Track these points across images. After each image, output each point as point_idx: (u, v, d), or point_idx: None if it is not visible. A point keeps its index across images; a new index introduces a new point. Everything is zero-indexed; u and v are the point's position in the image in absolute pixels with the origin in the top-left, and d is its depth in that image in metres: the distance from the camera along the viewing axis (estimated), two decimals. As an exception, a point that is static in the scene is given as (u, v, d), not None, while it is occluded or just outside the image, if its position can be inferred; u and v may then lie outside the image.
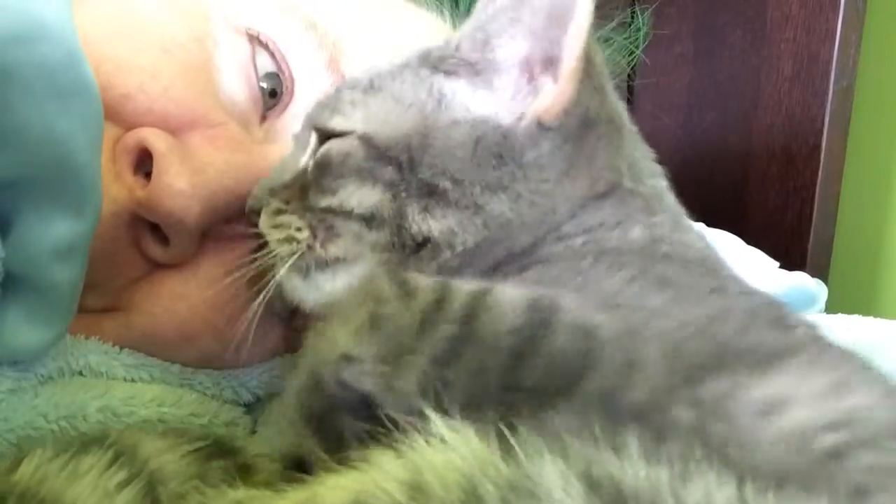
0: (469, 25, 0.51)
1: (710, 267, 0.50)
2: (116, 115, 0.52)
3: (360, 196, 0.49)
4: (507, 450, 0.29)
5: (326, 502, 0.31)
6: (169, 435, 0.45)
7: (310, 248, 0.50)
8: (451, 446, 0.30)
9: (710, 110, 1.63)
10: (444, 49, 0.52)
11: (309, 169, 0.52)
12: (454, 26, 0.76)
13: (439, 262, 0.48)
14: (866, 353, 0.44)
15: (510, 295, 0.38)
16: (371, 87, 0.52)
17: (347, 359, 0.37)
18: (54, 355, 0.51)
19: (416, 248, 0.49)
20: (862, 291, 1.69)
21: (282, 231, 0.51)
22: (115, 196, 0.51)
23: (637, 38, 0.95)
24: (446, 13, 0.75)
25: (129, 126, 0.53)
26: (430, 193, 0.48)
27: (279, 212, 0.52)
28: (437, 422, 0.32)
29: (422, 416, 0.33)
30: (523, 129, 0.49)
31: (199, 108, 0.54)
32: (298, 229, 0.50)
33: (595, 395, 0.34)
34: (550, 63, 0.49)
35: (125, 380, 0.54)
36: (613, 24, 0.89)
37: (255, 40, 0.58)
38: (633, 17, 0.97)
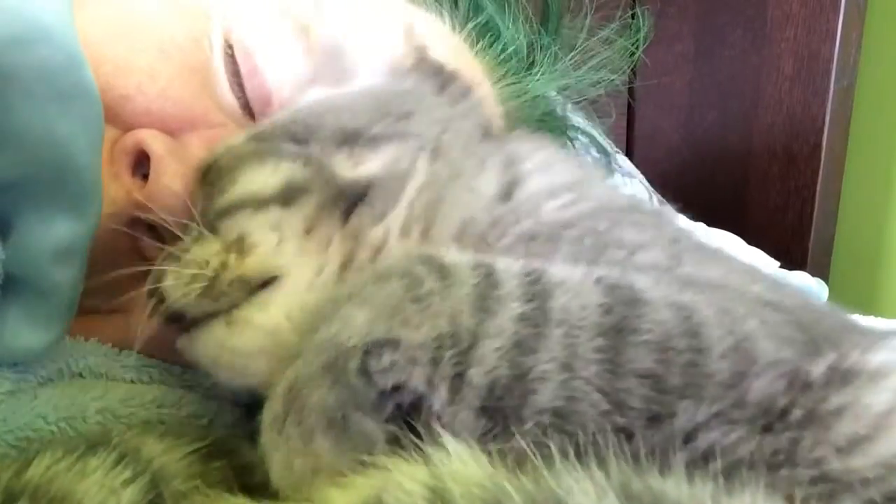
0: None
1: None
2: (115, 116, 0.52)
3: (265, 175, 0.45)
4: (532, 468, 0.27)
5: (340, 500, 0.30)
6: (169, 436, 0.45)
7: (224, 268, 0.43)
8: (470, 461, 0.28)
9: (710, 110, 1.63)
10: None
11: (198, 196, 0.49)
12: (453, 27, 0.75)
13: (401, 207, 0.45)
14: None
15: (570, 272, 0.33)
16: None
17: (380, 345, 0.31)
18: (54, 357, 0.51)
19: (356, 203, 0.45)
20: (862, 291, 1.69)
21: (187, 278, 0.43)
22: (113, 197, 0.51)
23: (637, 39, 0.95)
24: (445, 14, 0.75)
25: (127, 127, 0.53)
26: (347, 139, 0.46)
27: (183, 252, 0.45)
28: (450, 441, 0.28)
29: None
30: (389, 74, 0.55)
31: (198, 108, 0.54)
32: (205, 262, 0.43)
33: (721, 392, 0.30)
34: None
35: (125, 381, 0.54)
36: (615, 25, 0.89)
37: (228, 52, 0.58)
38: (633, 18, 0.97)
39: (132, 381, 0.54)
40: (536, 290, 0.31)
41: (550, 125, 0.83)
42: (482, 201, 0.47)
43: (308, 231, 0.44)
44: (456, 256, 0.35)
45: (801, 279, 1.03)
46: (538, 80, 0.79)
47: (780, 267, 1.04)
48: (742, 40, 1.57)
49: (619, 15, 0.93)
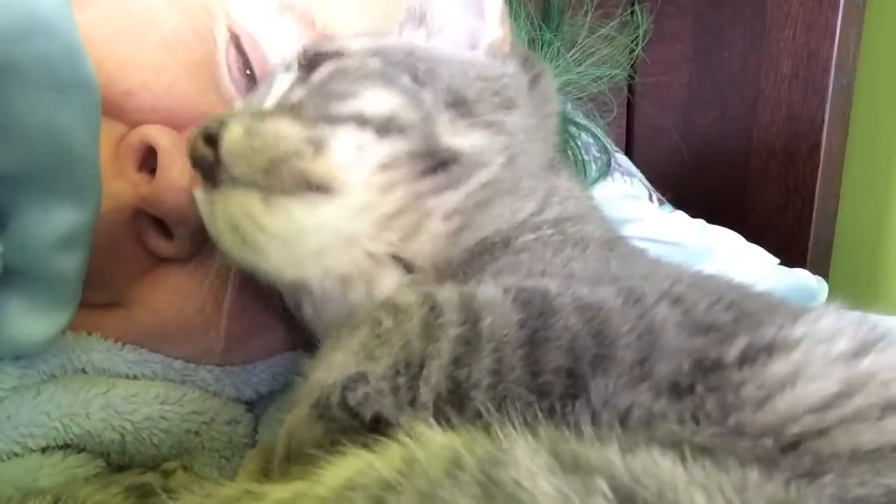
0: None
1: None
2: (120, 112, 0.52)
3: (380, 99, 0.47)
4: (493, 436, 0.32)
5: (320, 488, 0.32)
6: (99, 481, 0.48)
7: (297, 155, 0.44)
8: (443, 434, 0.32)
9: (710, 109, 1.63)
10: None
11: (306, 86, 0.49)
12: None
13: (459, 193, 0.47)
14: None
15: (493, 292, 0.38)
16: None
17: (354, 380, 0.35)
18: (56, 352, 0.51)
19: (439, 168, 0.47)
20: (862, 288, 1.69)
21: (259, 145, 0.44)
22: (118, 192, 0.51)
23: (637, 37, 0.95)
24: None
25: (133, 123, 0.53)
26: (455, 103, 0.48)
27: (261, 118, 0.45)
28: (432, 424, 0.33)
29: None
30: (491, 56, 0.54)
31: (203, 103, 0.54)
32: (286, 137, 0.44)
33: (627, 370, 0.34)
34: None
35: (128, 377, 0.54)
36: (615, 22, 0.89)
37: (233, 41, 0.58)
38: (633, 16, 0.97)
39: (135, 377, 0.54)
40: (468, 315, 0.36)
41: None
42: (508, 224, 0.50)
43: (384, 168, 0.45)
44: (406, 296, 0.39)
45: (800, 277, 1.03)
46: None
47: (780, 265, 1.04)
48: (741, 39, 1.58)
49: (618, 13, 0.93)
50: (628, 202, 1.02)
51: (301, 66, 0.52)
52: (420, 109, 0.47)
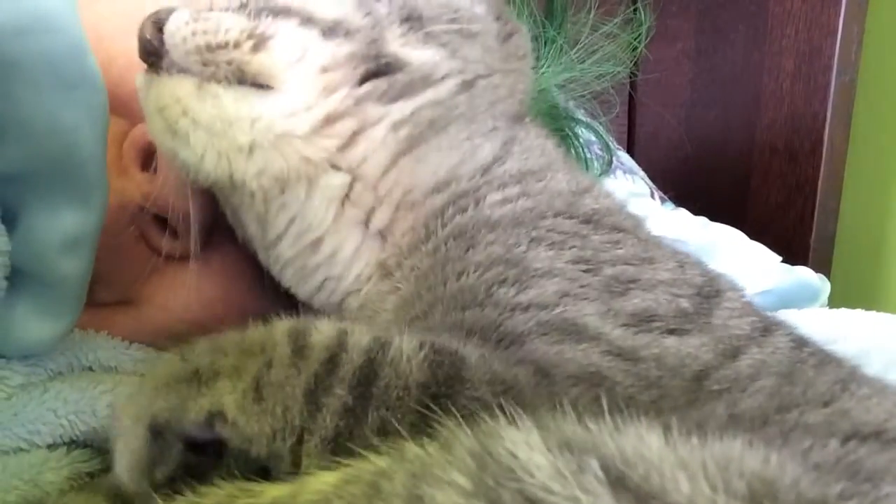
0: None
1: (633, 226, 0.52)
2: (128, 111, 0.52)
3: (330, 1, 0.46)
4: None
5: (317, 484, 0.33)
6: (86, 490, 0.48)
7: (236, 45, 0.43)
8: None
9: (712, 106, 1.63)
10: None
11: None
12: None
13: (407, 105, 0.47)
14: (864, 349, 0.45)
15: (410, 348, 0.37)
16: None
17: (224, 419, 0.35)
18: (63, 350, 0.52)
19: (375, 74, 0.46)
20: (864, 285, 1.69)
21: (200, 30, 0.44)
22: (121, 190, 0.51)
23: (639, 34, 0.95)
24: None
25: (140, 121, 0.53)
26: (409, 17, 0.48)
27: (209, 9, 0.45)
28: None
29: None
30: None
31: None
32: (227, 29, 0.44)
33: None
34: None
35: (134, 374, 0.54)
36: (618, 20, 0.89)
37: None
38: (635, 13, 0.97)
39: (142, 375, 0.54)
40: (366, 374, 0.35)
41: (556, 118, 0.83)
42: (473, 165, 0.50)
43: (325, 70, 0.45)
44: (322, 333, 0.38)
45: (802, 275, 1.03)
46: (544, 73, 0.79)
47: (782, 262, 1.04)
48: (743, 37, 1.57)
49: (621, 10, 0.93)
50: (630, 200, 1.02)
51: None
52: (371, 17, 0.46)
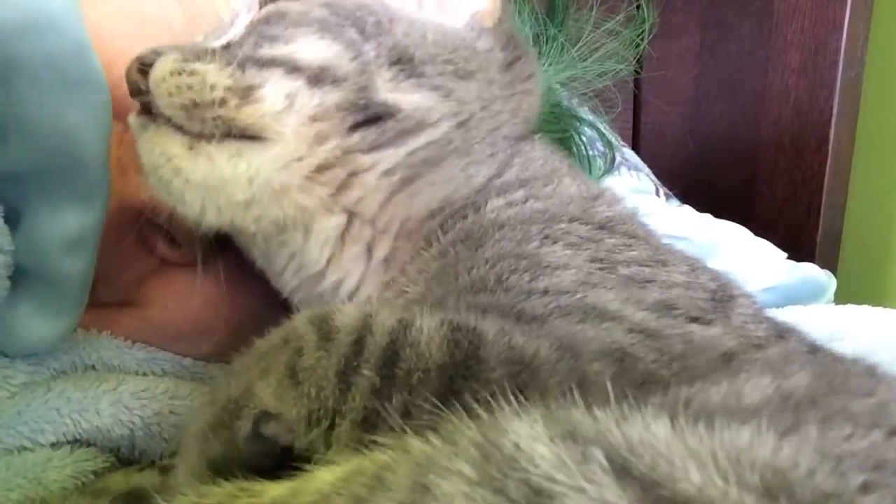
0: None
1: (646, 232, 0.52)
2: (129, 112, 0.52)
3: (316, 48, 0.45)
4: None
5: (317, 482, 0.33)
6: (88, 493, 0.48)
7: (222, 103, 0.43)
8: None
9: (717, 103, 1.63)
10: None
11: (245, 26, 0.47)
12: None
13: (400, 151, 0.46)
14: (871, 346, 0.45)
15: (430, 325, 0.37)
16: None
17: (268, 416, 0.36)
18: (66, 349, 0.52)
19: (366, 123, 0.46)
20: (871, 282, 1.68)
21: (184, 84, 0.43)
22: (120, 191, 0.51)
23: (643, 31, 0.95)
24: None
25: None
26: (400, 60, 0.47)
27: (191, 59, 0.44)
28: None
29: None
30: (471, 26, 0.51)
31: None
32: (212, 86, 0.43)
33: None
34: None
35: (137, 374, 0.54)
36: (621, 17, 0.89)
37: None
38: (638, 10, 0.97)
39: (144, 374, 0.54)
40: (389, 355, 0.36)
41: (558, 117, 0.83)
42: (467, 189, 0.50)
43: (315, 120, 0.44)
44: (347, 316, 0.38)
45: (809, 271, 1.02)
46: (546, 70, 0.79)
47: (788, 259, 1.04)
48: (748, 33, 1.57)
49: (624, 7, 0.92)
50: (635, 197, 1.02)
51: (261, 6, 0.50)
52: (360, 60, 0.45)
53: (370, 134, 0.46)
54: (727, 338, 0.42)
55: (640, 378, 0.38)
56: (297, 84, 0.44)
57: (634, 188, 1.05)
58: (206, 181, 0.44)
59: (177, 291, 0.55)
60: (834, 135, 1.48)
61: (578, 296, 0.41)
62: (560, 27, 0.84)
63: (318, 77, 0.44)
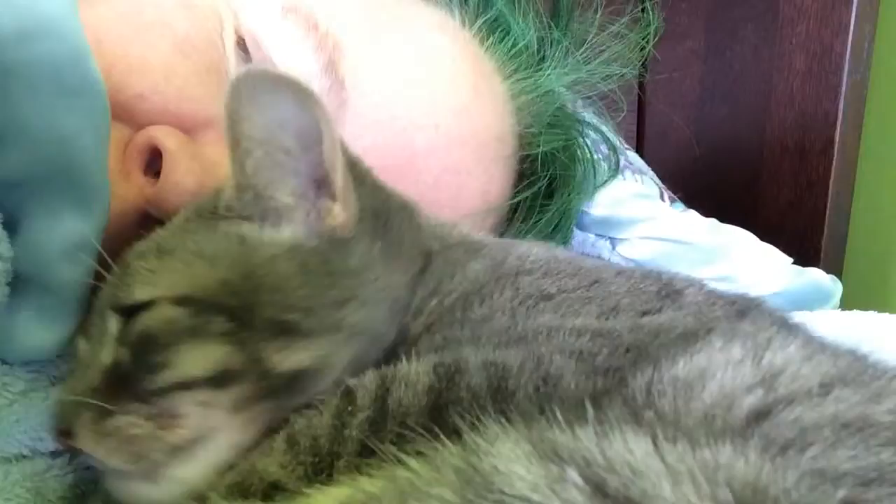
0: (234, 180, 0.47)
1: (569, 263, 0.53)
2: (130, 116, 0.52)
3: (201, 357, 0.44)
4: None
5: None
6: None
7: (152, 440, 0.43)
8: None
9: (722, 105, 1.62)
10: (220, 201, 0.48)
11: (122, 356, 0.45)
12: (463, 23, 0.75)
13: (319, 388, 0.46)
14: (876, 353, 0.45)
15: (413, 365, 0.42)
16: (161, 250, 0.47)
17: (275, 487, 0.40)
18: (66, 357, 0.51)
19: (287, 387, 0.45)
20: (877, 287, 1.67)
21: (115, 440, 0.43)
22: (123, 195, 0.51)
23: (648, 34, 0.95)
24: (455, 10, 0.75)
25: (141, 126, 0.53)
26: (282, 331, 0.45)
27: (104, 417, 0.43)
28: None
29: None
30: (332, 245, 0.48)
31: (213, 107, 0.54)
32: (136, 431, 0.43)
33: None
34: (323, 183, 0.48)
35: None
36: (625, 20, 0.89)
37: (239, 44, 0.58)
38: (643, 13, 0.96)
39: None
40: (380, 393, 0.41)
41: (562, 121, 0.83)
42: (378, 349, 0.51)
43: (237, 410, 0.44)
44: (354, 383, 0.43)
45: (814, 276, 1.02)
46: (549, 74, 0.79)
47: (794, 263, 1.03)
48: (753, 35, 1.56)
49: (628, 10, 0.92)
50: (639, 201, 1.01)
51: (118, 311, 0.46)
52: (244, 351, 0.44)
53: (290, 395, 0.46)
54: (681, 320, 0.45)
55: (599, 372, 0.41)
56: (202, 394, 0.44)
57: (638, 192, 1.04)
58: (181, 493, 0.45)
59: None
60: (839, 138, 1.47)
61: (518, 328, 0.46)
62: (564, 30, 0.84)
63: (218, 380, 0.44)
